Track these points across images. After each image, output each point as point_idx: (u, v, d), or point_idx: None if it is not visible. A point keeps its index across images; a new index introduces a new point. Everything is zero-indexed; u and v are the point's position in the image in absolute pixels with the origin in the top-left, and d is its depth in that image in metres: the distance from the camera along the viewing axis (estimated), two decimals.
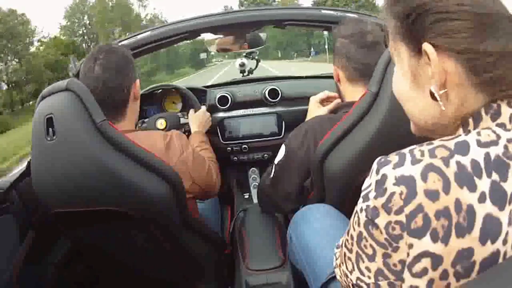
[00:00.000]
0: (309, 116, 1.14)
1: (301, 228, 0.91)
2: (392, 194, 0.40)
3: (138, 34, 1.26)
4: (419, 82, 0.46)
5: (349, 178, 0.84)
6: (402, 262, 0.41)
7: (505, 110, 0.41)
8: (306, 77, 1.73)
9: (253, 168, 1.61)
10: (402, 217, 0.39)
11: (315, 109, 1.12)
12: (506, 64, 0.40)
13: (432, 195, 0.38)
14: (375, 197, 0.42)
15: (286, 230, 1.04)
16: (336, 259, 0.55)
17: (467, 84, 0.42)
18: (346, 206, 0.88)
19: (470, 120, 0.43)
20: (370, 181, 0.44)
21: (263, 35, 1.48)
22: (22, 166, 1.06)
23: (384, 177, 0.41)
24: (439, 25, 0.41)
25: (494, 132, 0.40)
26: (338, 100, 1.09)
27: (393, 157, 0.42)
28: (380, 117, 0.77)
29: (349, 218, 0.49)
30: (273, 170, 1.01)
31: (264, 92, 1.49)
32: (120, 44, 1.21)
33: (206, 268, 1.13)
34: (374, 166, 0.44)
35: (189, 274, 1.12)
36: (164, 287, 1.17)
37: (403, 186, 0.39)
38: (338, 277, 0.54)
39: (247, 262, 1.08)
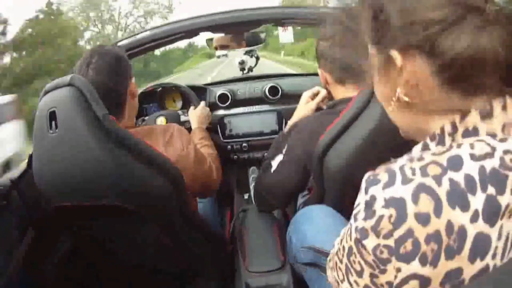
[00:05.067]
0: (298, 110, 1.15)
1: (301, 229, 0.91)
2: (381, 217, 0.38)
3: (136, 34, 1.26)
4: (391, 85, 0.45)
5: (348, 174, 0.83)
6: (390, 283, 0.40)
7: (497, 112, 0.40)
8: (306, 75, 1.73)
9: (253, 167, 1.61)
10: (391, 242, 0.38)
11: (304, 104, 1.14)
12: (475, 62, 0.38)
13: (423, 219, 0.37)
14: (364, 219, 0.40)
15: (286, 231, 1.04)
16: (329, 261, 0.55)
17: (439, 85, 0.40)
18: (345, 205, 0.87)
19: (457, 118, 0.41)
20: (359, 200, 0.42)
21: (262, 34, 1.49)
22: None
23: (373, 198, 0.40)
24: (402, 20, 0.40)
25: (488, 144, 0.38)
26: (324, 92, 1.09)
27: (383, 175, 0.40)
28: (378, 112, 0.76)
29: (348, 219, 0.48)
30: (273, 166, 1.01)
31: (264, 90, 1.49)
32: (118, 44, 1.21)
33: (206, 266, 1.13)
34: (363, 184, 0.42)
35: (190, 271, 1.12)
36: (164, 286, 1.17)
37: (393, 209, 0.38)
38: (330, 279, 0.54)
39: (247, 264, 1.08)
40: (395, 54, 0.41)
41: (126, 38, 1.25)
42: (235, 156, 1.56)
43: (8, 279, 0.89)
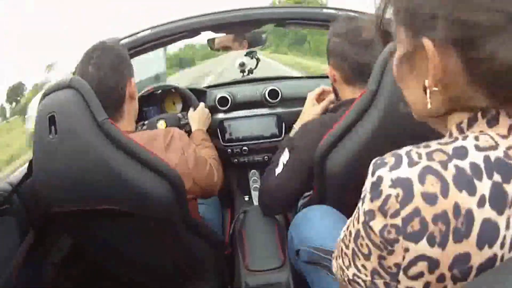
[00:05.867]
0: (304, 113, 1.14)
1: (302, 228, 0.91)
2: (388, 196, 0.39)
3: (138, 33, 1.25)
4: (417, 72, 0.45)
5: (349, 177, 0.84)
6: (398, 265, 0.40)
7: (503, 119, 0.40)
8: (307, 77, 1.73)
9: (253, 170, 1.60)
10: (398, 221, 0.38)
11: (310, 106, 1.13)
12: (508, 69, 0.37)
13: (430, 199, 0.37)
14: (371, 200, 0.41)
15: (286, 231, 1.04)
16: (335, 251, 0.55)
17: (467, 83, 0.40)
18: (347, 206, 0.88)
19: (465, 120, 0.42)
20: (366, 183, 0.43)
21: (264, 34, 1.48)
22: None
23: (380, 179, 0.40)
24: (444, 14, 0.39)
25: (492, 138, 0.39)
26: (332, 96, 1.08)
27: (389, 159, 0.41)
28: (379, 115, 0.77)
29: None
30: (277, 170, 1.01)
31: (264, 93, 1.48)
32: (120, 43, 1.21)
33: (206, 267, 1.13)
34: (370, 167, 0.43)
35: (190, 273, 1.12)
36: (165, 287, 1.17)
37: (400, 189, 0.38)
38: (334, 269, 0.54)
39: (247, 262, 1.08)
40: (427, 43, 0.40)
41: (128, 37, 1.24)
42: (235, 160, 1.55)
43: (8, 280, 0.89)
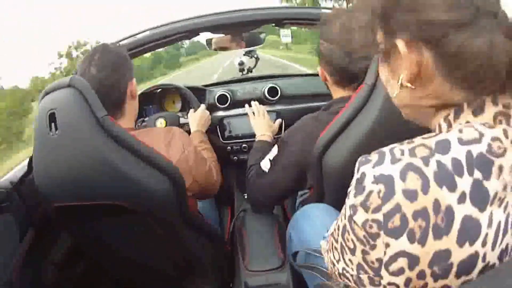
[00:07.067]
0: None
1: (302, 227, 0.92)
2: (370, 192, 0.40)
3: (137, 34, 1.26)
4: (395, 70, 0.46)
5: (347, 173, 0.83)
6: (379, 260, 0.41)
7: (488, 107, 0.41)
8: (306, 75, 1.74)
9: None
10: (379, 216, 0.39)
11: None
12: (480, 60, 0.38)
13: (410, 195, 0.38)
14: (355, 195, 0.42)
15: (285, 231, 1.04)
16: (326, 244, 0.56)
17: (441, 77, 0.41)
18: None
19: (452, 113, 0.43)
20: (353, 179, 0.44)
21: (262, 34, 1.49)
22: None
23: (363, 175, 0.41)
24: (413, 17, 0.41)
25: (476, 130, 0.39)
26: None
27: (373, 156, 0.42)
28: (377, 109, 0.77)
29: None
30: (268, 167, 1.02)
31: (264, 91, 1.49)
32: (119, 44, 1.22)
33: (206, 266, 1.13)
34: (356, 165, 0.44)
35: (189, 272, 1.12)
36: (165, 285, 1.17)
37: (382, 185, 0.39)
38: (326, 262, 0.55)
39: (246, 263, 1.08)
40: (400, 43, 0.42)
41: (126, 38, 1.25)
42: (235, 157, 1.56)
43: (8, 279, 0.89)
